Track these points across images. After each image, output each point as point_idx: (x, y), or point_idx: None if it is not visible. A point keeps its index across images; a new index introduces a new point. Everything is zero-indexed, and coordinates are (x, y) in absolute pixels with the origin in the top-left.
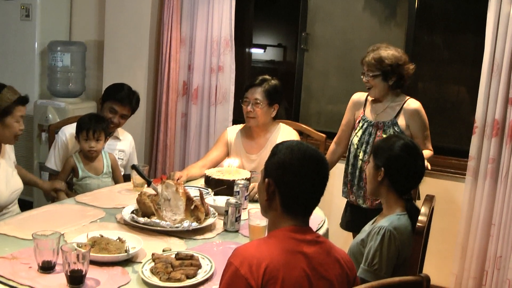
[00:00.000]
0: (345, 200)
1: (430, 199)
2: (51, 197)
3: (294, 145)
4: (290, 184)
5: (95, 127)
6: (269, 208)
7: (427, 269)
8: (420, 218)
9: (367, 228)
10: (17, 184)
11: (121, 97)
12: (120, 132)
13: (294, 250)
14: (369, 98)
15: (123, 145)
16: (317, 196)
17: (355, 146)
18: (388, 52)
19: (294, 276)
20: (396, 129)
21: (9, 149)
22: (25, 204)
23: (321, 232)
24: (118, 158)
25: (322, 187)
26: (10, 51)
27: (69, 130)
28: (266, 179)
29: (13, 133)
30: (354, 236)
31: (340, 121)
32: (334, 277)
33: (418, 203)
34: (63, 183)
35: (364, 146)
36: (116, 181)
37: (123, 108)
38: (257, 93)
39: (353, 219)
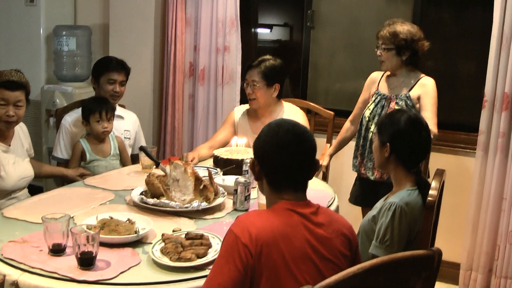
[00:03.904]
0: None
1: (440, 173)
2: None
3: (272, 123)
4: (269, 159)
5: (106, 108)
6: (261, 188)
7: (438, 245)
8: (430, 192)
9: (378, 205)
10: (27, 172)
11: (114, 66)
12: (123, 111)
13: (294, 221)
14: (385, 75)
15: (128, 124)
16: (301, 168)
17: (367, 119)
18: (404, 27)
19: (296, 245)
20: (408, 102)
21: (22, 136)
22: (35, 189)
23: (331, 209)
24: (125, 138)
25: (304, 159)
26: (15, 37)
27: (72, 116)
28: (251, 160)
29: None
30: (363, 211)
31: (347, 98)
32: (338, 245)
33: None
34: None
35: (376, 118)
36: (124, 163)
37: (119, 74)
38: (254, 75)
39: (362, 192)
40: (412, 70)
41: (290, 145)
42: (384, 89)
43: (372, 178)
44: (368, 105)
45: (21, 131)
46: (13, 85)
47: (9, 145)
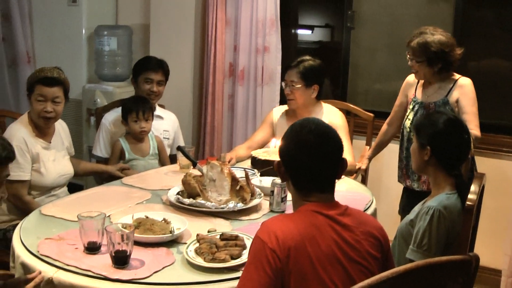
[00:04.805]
0: (397, 182)
1: (480, 177)
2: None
3: (296, 123)
4: (292, 161)
5: (143, 107)
6: (289, 189)
7: (479, 250)
8: (470, 196)
9: (416, 208)
10: (67, 169)
11: (151, 65)
12: (163, 111)
13: (320, 223)
14: (421, 81)
15: (167, 124)
16: (325, 170)
17: (408, 130)
18: (434, 38)
19: (323, 247)
20: (447, 108)
21: (63, 134)
22: (76, 187)
23: (368, 212)
24: (164, 138)
25: (328, 161)
26: (58, 37)
27: (112, 116)
28: (277, 161)
29: (36, 112)
30: (402, 219)
31: (388, 99)
32: (367, 247)
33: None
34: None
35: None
36: (162, 163)
37: (156, 74)
38: (293, 75)
39: (409, 203)
40: (447, 75)
41: (312, 146)
42: (421, 96)
43: (417, 189)
44: (407, 113)
45: (61, 129)
46: (51, 81)
47: (50, 142)
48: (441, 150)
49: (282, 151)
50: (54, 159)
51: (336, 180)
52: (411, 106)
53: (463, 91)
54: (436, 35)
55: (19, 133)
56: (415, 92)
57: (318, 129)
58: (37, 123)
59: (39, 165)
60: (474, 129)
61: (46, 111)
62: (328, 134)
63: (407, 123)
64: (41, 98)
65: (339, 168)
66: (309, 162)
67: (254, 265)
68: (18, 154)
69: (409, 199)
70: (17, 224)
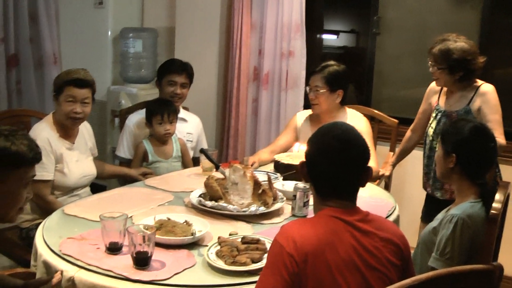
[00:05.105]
0: (420, 189)
1: (505, 185)
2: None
3: (324, 126)
4: (314, 164)
5: (168, 110)
6: (311, 190)
7: (503, 260)
8: (494, 205)
9: (439, 216)
10: (90, 170)
11: (175, 67)
12: (187, 114)
13: (339, 229)
14: (444, 88)
15: (191, 127)
16: (346, 177)
17: (431, 138)
18: (457, 45)
19: (342, 253)
20: (469, 116)
21: (87, 135)
22: (99, 188)
23: (391, 219)
24: (187, 141)
25: (348, 168)
26: (84, 39)
27: (136, 117)
28: (301, 161)
29: (63, 113)
30: (421, 226)
31: (412, 106)
32: (386, 253)
33: None
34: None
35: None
36: (186, 166)
37: (180, 76)
38: (317, 80)
39: (432, 211)
40: (468, 84)
41: (333, 151)
42: (444, 104)
43: (440, 198)
44: (430, 122)
45: (85, 130)
46: (81, 83)
47: (73, 143)
48: (466, 158)
49: (306, 153)
50: (77, 160)
51: (360, 188)
52: (434, 114)
53: (485, 98)
54: (459, 42)
55: (44, 133)
56: (438, 100)
57: (343, 135)
58: (63, 124)
59: (62, 165)
60: (499, 137)
61: (76, 112)
62: (352, 141)
63: (430, 131)
64: (70, 99)
65: (363, 175)
66: (329, 167)
67: (271, 269)
68: (42, 154)
69: (432, 206)
70: (39, 223)
